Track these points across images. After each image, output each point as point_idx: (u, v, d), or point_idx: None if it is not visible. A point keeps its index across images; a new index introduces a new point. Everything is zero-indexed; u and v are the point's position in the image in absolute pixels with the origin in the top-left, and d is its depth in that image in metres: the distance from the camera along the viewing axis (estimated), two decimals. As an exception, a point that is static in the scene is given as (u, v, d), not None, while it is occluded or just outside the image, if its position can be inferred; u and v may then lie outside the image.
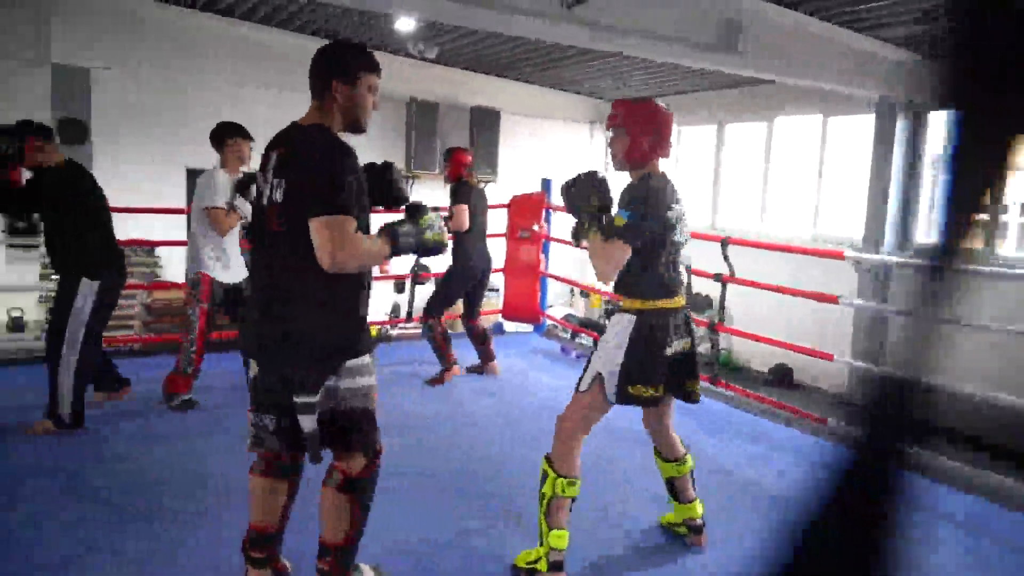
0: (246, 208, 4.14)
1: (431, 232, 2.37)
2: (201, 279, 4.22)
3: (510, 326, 6.64)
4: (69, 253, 3.92)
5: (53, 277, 7.29)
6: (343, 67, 2.28)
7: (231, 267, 4.32)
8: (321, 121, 2.28)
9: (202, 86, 8.49)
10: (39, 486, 3.22)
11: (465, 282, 5.16)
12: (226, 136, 4.29)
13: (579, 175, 2.74)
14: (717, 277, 4.85)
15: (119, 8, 7.93)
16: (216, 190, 4.15)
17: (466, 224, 4.92)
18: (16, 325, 7.28)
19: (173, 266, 7.74)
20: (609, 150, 2.72)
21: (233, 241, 4.34)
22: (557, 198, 6.44)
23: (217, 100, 8.53)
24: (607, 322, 2.73)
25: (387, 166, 2.45)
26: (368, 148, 9.44)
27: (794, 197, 9.16)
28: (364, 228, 2.26)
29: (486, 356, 5.26)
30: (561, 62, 9.31)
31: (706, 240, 4.97)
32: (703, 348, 8.76)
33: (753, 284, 4.82)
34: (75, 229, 3.90)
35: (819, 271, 7.35)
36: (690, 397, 2.77)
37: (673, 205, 2.60)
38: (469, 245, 5.05)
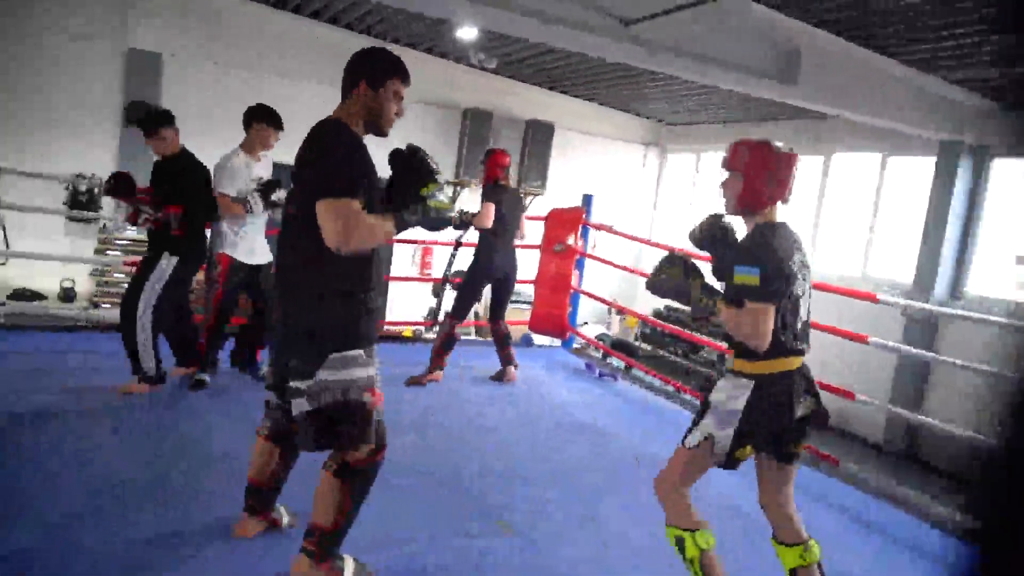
0: (258, 206, 4.26)
1: (434, 200, 2.32)
2: (219, 259, 4.30)
3: (540, 339, 6.63)
4: (168, 231, 4.12)
5: (110, 253, 7.56)
6: (371, 71, 2.34)
7: (254, 249, 4.39)
8: (342, 117, 2.35)
9: (268, 79, 8.73)
10: (59, 459, 3.32)
11: (480, 283, 5.15)
12: (254, 119, 4.34)
13: (659, 266, 2.55)
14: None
15: (195, -1, 8.24)
16: (227, 175, 4.23)
17: (487, 222, 4.90)
18: (67, 295, 7.55)
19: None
20: (722, 192, 2.51)
21: (258, 225, 4.40)
22: (597, 215, 6.44)
23: (281, 94, 8.75)
24: (719, 382, 2.46)
25: (413, 150, 2.40)
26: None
27: (847, 235, 8.95)
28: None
29: (505, 359, 5.27)
30: (618, 81, 9.31)
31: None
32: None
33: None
34: (184, 212, 4.12)
35: (871, 313, 7.16)
36: (790, 457, 2.46)
37: (794, 255, 2.38)
38: (494, 245, 5.05)
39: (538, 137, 10.37)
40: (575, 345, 6.72)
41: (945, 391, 7.42)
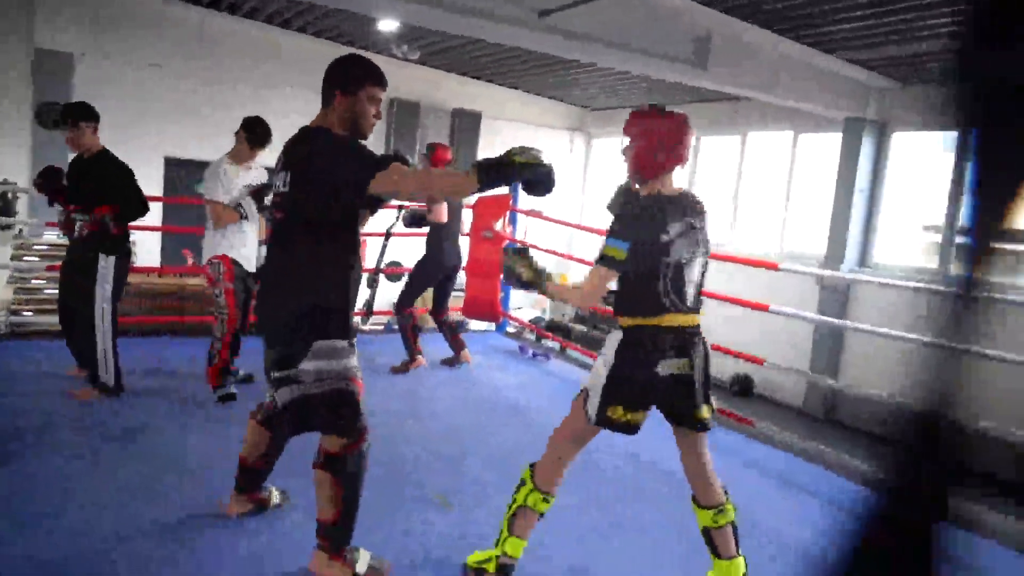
0: (252, 208, 4.29)
1: (521, 156, 2.24)
2: (222, 261, 4.25)
3: (475, 325, 6.77)
4: (99, 232, 4.04)
5: (28, 258, 7.34)
6: (345, 79, 2.44)
7: (249, 255, 4.37)
8: (324, 124, 2.45)
9: (184, 78, 8.57)
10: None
11: (434, 275, 5.31)
12: (242, 130, 4.35)
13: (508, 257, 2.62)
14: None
15: (105, -5, 8.01)
16: (221, 184, 4.22)
17: (444, 217, 5.05)
18: (-15, 304, 7.29)
19: (145, 251, 7.78)
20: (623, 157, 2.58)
21: (252, 229, 4.38)
22: (523, 201, 6.59)
23: (198, 93, 8.62)
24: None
25: (396, 153, 2.50)
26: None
27: (765, 212, 9.35)
28: (372, 208, 2.57)
29: (457, 346, 5.46)
30: (542, 69, 9.47)
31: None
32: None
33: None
34: (114, 211, 4.03)
35: (791, 286, 7.56)
36: (694, 424, 2.50)
37: (672, 222, 2.41)
38: (443, 239, 5.19)
39: (465, 126, 10.46)
40: (509, 329, 6.89)
41: (858, 355, 7.89)
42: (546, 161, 2.26)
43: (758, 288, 6.89)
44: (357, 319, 7.92)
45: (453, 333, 5.50)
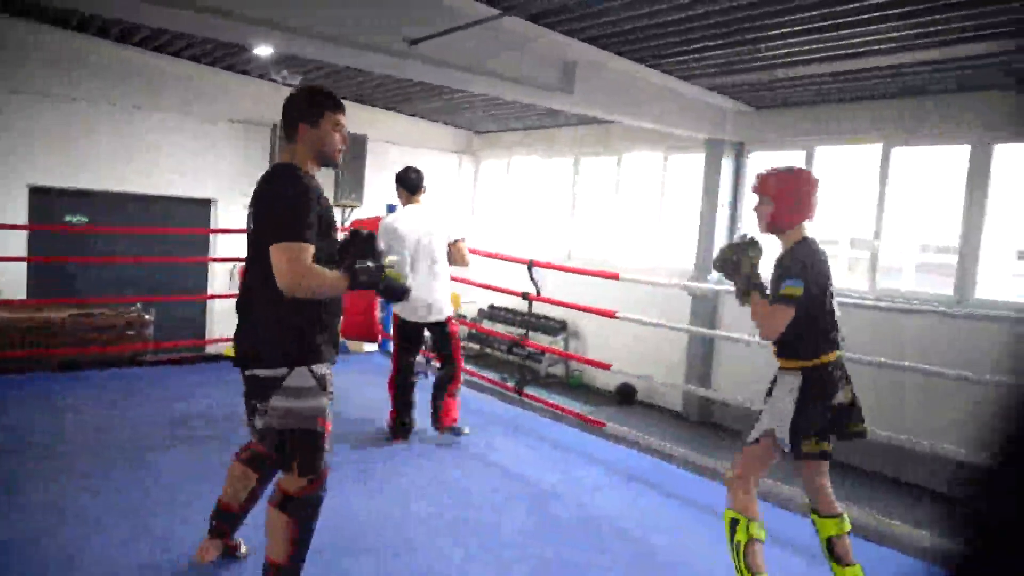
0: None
1: (393, 271, 2.48)
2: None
3: (353, 345, 6.83)
4: None
5: None
6: (306, 111, 2.45)
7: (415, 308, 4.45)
8: (291, 160, 2.46)
9: (50, 104, 8.28)
10: None
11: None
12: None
13: (727, 246, 2.89)
14: (524, 296, 5.27)
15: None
16: None
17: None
18: None
19: (9, 283, 7.44)
20: (756, 214, 2.84)
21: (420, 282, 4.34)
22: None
23: (66, 119, 8.35)
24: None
25: (371, 236, 2.49)
26: (227, 169, 9.39)
27: (642, 228, 9.86)
28: (327, 260, 2.38)
29: None
30: (425, 94, 9.68)
31: (513, 263, 5.47)
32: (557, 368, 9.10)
33: (550, 301, 5.29)
34: None
35: (668, 298, 8.00)
36: (854, 436, 2.83)
37: (823, 265, 2.73)
38: None
39: (351, 150, 10.50)
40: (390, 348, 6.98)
41: (728, 361, 8.42)
42: (407, 284, 2.58)
43: (636, 299, 7.29)
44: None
45: None
